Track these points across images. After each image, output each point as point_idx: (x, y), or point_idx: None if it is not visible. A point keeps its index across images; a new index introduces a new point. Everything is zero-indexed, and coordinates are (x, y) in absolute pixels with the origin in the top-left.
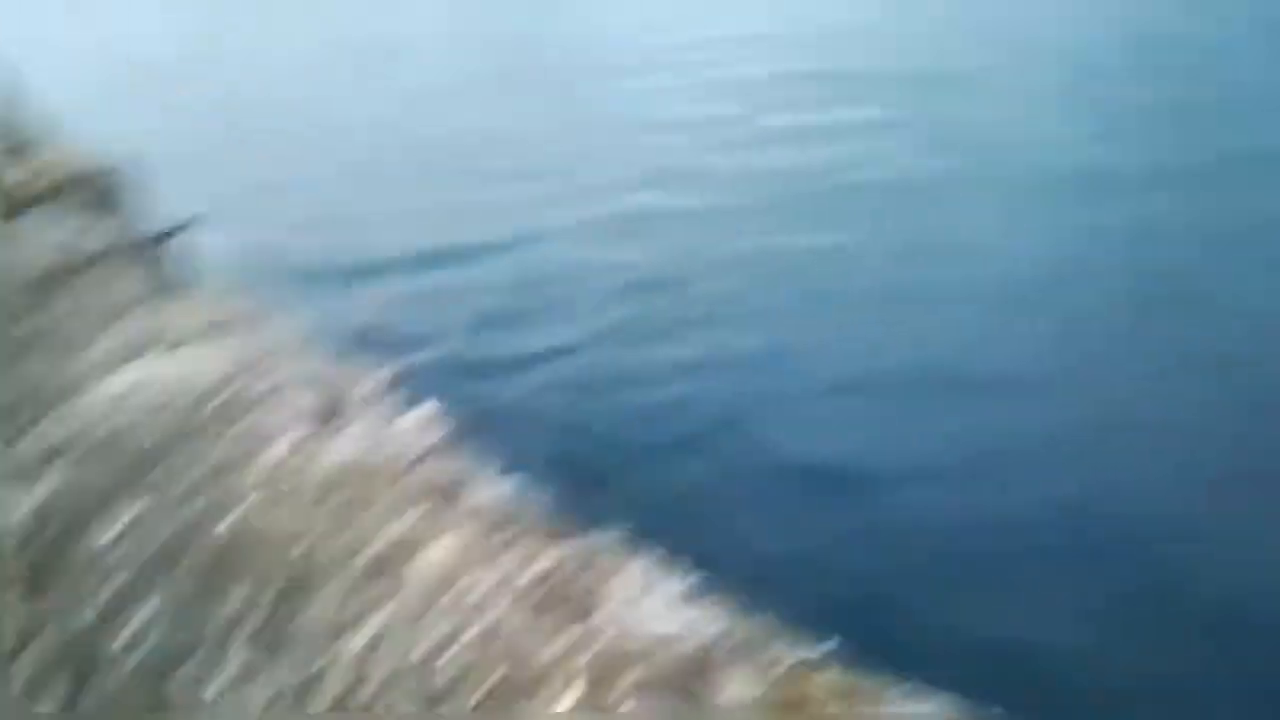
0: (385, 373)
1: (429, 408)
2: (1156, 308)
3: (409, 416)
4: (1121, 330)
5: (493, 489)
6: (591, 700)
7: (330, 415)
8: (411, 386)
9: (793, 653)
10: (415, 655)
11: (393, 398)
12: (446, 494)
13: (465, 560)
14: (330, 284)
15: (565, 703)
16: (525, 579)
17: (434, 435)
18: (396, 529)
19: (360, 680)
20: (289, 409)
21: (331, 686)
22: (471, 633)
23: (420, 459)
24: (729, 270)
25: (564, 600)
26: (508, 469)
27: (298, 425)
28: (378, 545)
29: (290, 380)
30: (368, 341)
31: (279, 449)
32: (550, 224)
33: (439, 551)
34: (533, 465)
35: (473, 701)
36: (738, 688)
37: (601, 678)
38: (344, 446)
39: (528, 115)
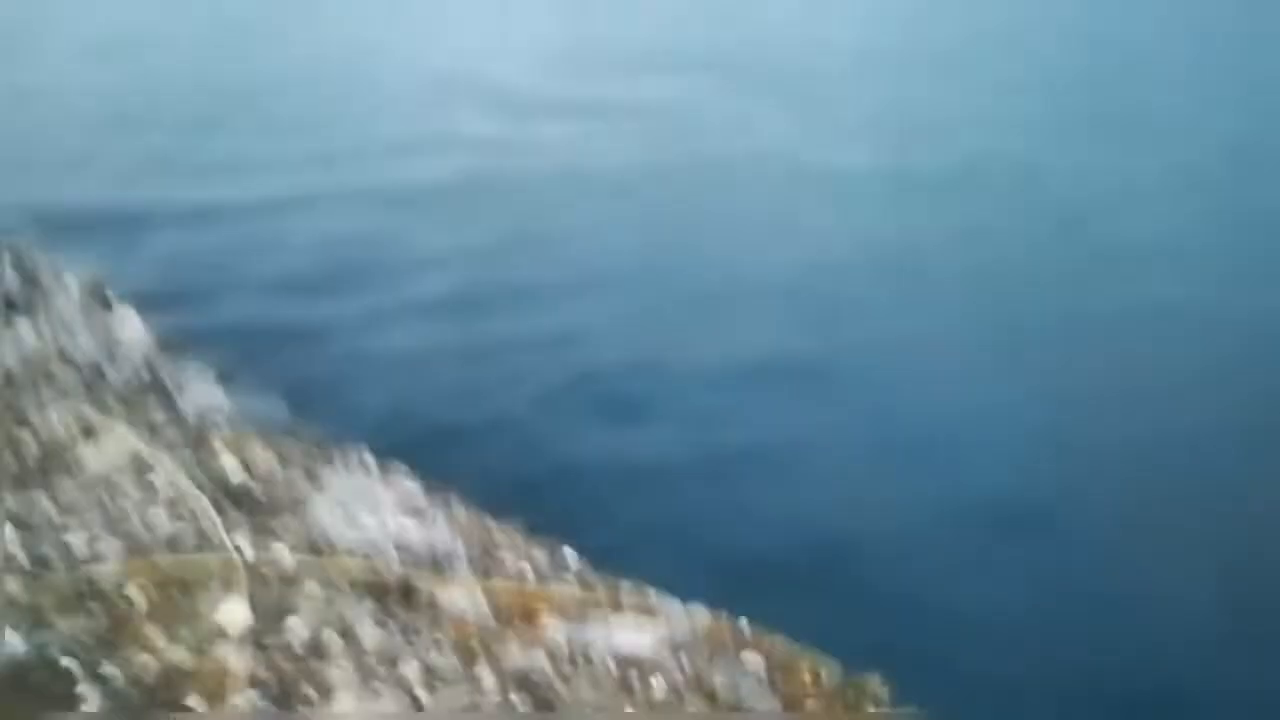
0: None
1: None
2: None
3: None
4: None
5: (210, 395)
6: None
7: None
8: None
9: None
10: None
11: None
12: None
13: (153, 455)
14: None
15: (230, 606)
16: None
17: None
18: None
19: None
20: None
21: None
22: (155, 517)
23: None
24: None
25: (261, 500)
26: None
27: None
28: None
29: None
30: None
31: None
32: None
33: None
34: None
35: (136, 589)
36: (453, 594)
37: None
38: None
39: None
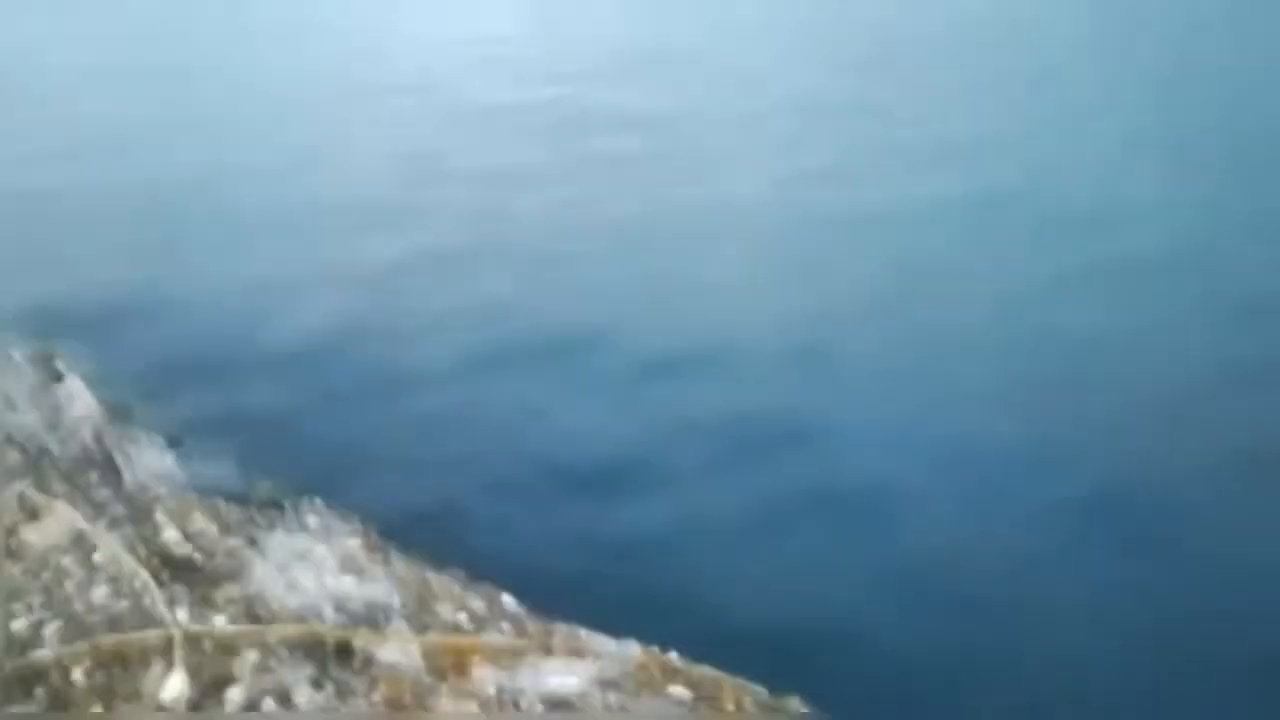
0: None
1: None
2: None
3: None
4: None
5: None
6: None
7: None
8: None
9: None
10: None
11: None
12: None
13: (98, 532)
14: None
15: (170, 680)
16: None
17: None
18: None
19: None
20: None
21: None
22: (97, 593)
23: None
24: None
25: (202, 571)
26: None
27: None
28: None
29: None
30: None
31: None
32: None
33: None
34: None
35: (78, 670)
36: (388, 650)
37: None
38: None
39: None
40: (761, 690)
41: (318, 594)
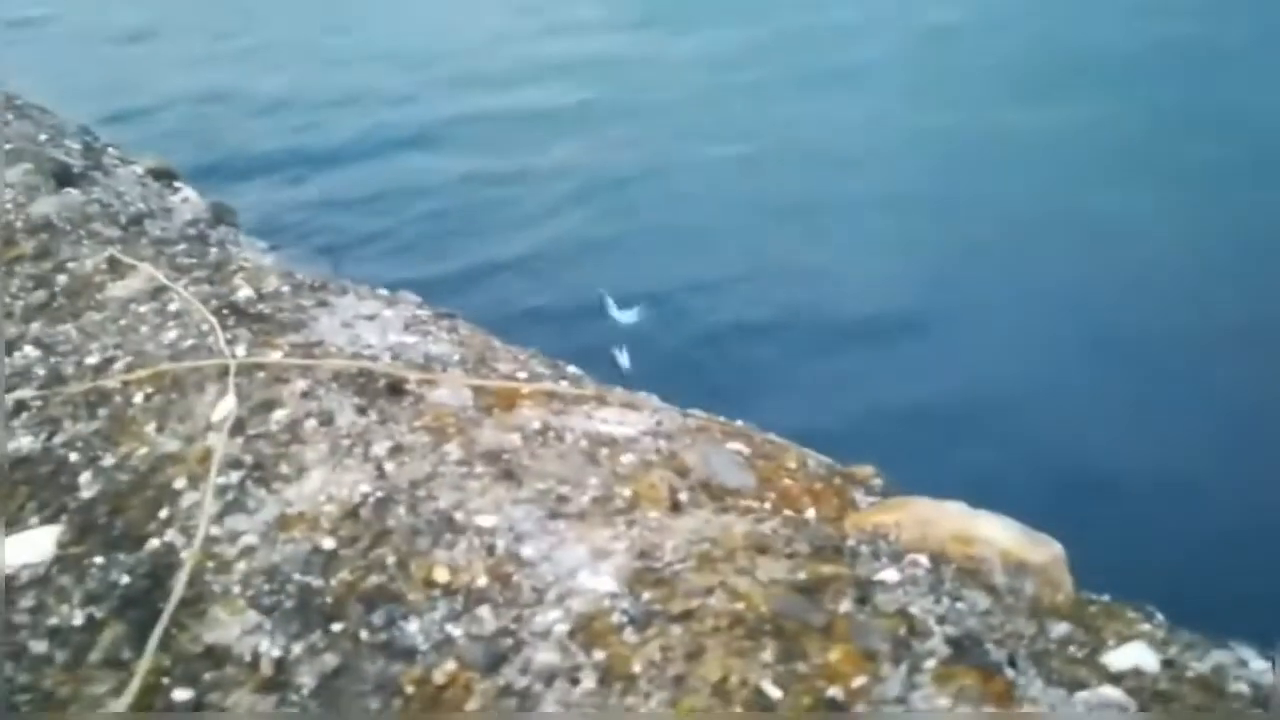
0: None
1: None
2: None
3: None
4: None
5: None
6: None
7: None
8: None
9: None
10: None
11: None
12: None
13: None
14: None
15: (220, 403)
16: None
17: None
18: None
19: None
20: None
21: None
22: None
23: None
24: None
25: (267, 318)
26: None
27: None
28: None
29: None
30: None
31: None
32: None
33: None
34: None
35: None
36: (440, 390)
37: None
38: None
39: None
40: (830, 460)
41: (379, 345)
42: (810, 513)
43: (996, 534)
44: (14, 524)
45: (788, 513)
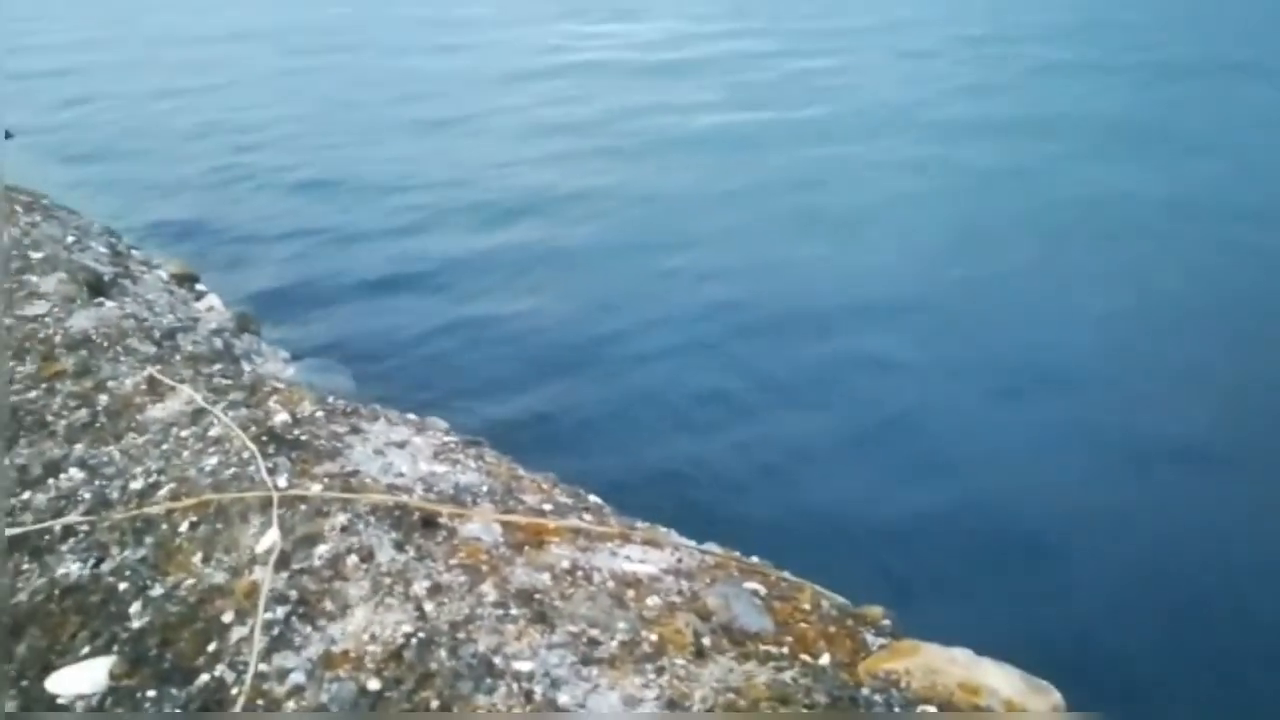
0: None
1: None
2: None
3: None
4: None
5: (277, 367)
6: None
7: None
8: None
9: (541, 504)
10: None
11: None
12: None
13: (212, 411)
14: None
15: (264, 535)
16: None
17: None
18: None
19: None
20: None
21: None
22: (208, 462)
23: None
24: None
25: (304, 446)
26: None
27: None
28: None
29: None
30: None
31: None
32: None
33: (185, 403)
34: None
35: (185, 525)
36: (471, 525)
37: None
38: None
39: None
40: (844, 600)
41: (410, 475)
42: (825, 658)
43: (1000, 683)
44: (66, 653)
45: (805, 657)
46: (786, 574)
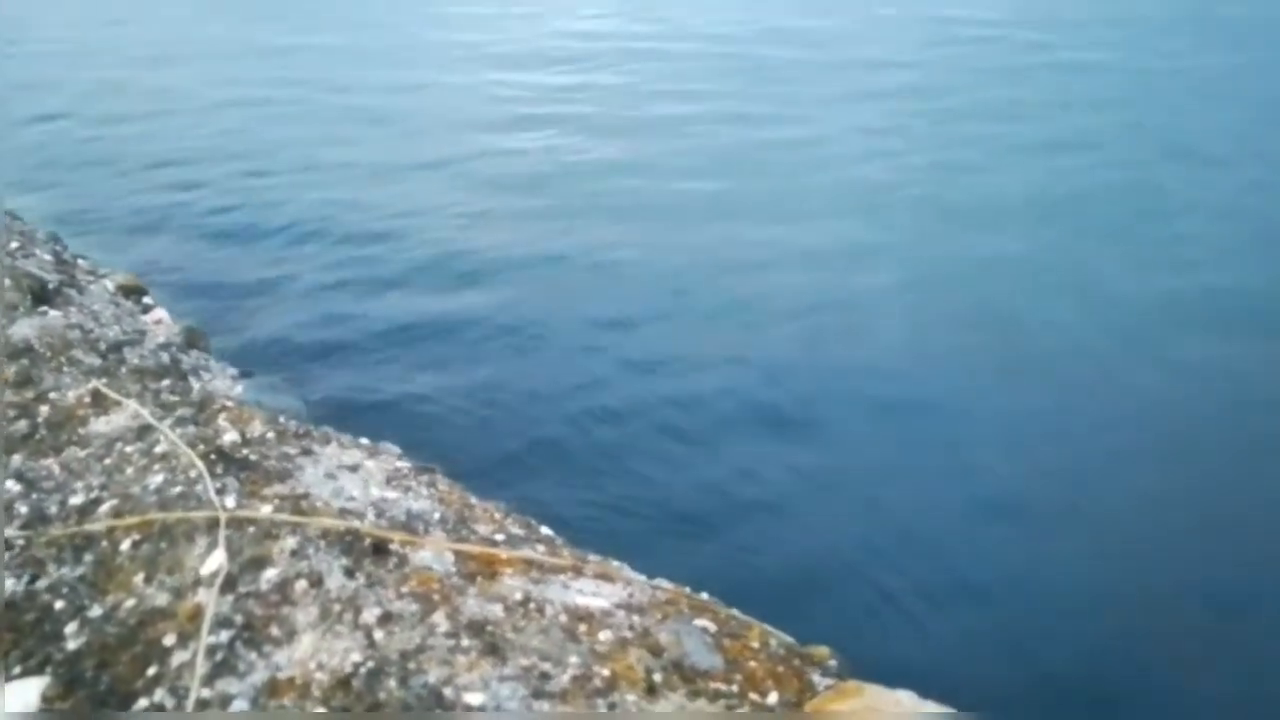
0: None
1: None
2: None
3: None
4: None
5: (226, 385)
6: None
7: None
8: None
9: (493, 533)
10: (78, 502)
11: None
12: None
13: (158, 427)
14: None
15: (210, 556)
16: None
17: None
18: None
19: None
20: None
21: None
22: (153, 479)
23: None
24: None
25: (253, 467)
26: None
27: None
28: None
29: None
30: None
31: None
32: None
33: (131, 418)
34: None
35: (128, 544)
36: (423, 553)
37: (273, 533)
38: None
39: None
40: (791, 639)
41: (362, 500)
42: (773, 696)
43: None
44: None
45: (754, 696)
46: (735, 611)
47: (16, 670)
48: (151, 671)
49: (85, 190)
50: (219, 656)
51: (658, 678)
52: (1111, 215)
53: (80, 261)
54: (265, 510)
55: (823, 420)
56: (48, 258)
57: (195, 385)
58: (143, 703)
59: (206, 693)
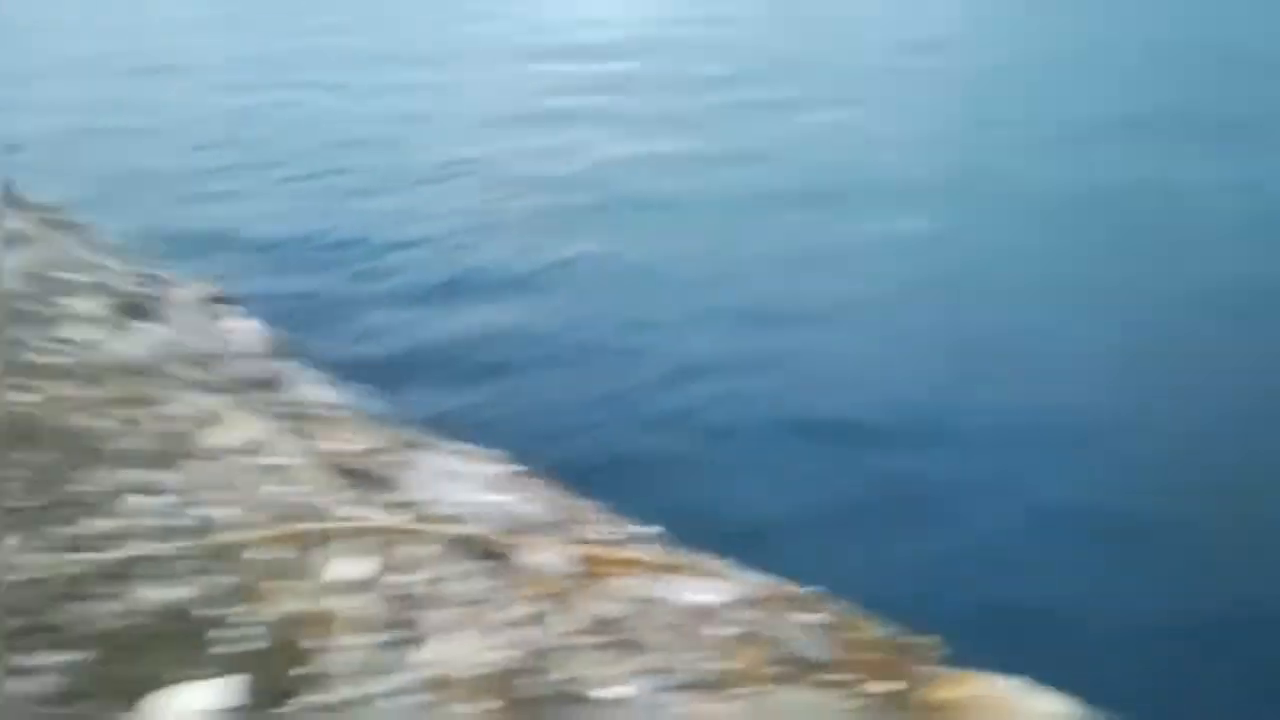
0: None
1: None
2: None
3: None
4: None
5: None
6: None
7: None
8: None
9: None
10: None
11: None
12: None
13: (268, 439)
14: None
15: (336, 563)
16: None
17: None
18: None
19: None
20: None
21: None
22: (271, 490)
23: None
24: None
25: (363, 475)
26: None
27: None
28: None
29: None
30: None
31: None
32: None
33: (242, 431)
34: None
35: (252, 554)
36: (537, 555)
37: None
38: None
39: None
40: (900, 627)
41: (473, 505)
42: (884, 686)
43: (1059, 711)
44: (175, 673)
45: (869, 687)
46: (842, 604)
47: (191, 672)
48: (299, 672)
49: (154, 204)
50: (359, 657)
51: (781, 670)
52: None
53: (162, 273)
54: (383, 517)
55: (922, 423)
56: (132, 270)
57: (292, 394)
58: (295, 703)
59: (352, 692)
